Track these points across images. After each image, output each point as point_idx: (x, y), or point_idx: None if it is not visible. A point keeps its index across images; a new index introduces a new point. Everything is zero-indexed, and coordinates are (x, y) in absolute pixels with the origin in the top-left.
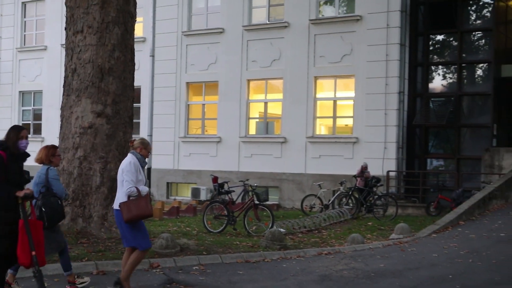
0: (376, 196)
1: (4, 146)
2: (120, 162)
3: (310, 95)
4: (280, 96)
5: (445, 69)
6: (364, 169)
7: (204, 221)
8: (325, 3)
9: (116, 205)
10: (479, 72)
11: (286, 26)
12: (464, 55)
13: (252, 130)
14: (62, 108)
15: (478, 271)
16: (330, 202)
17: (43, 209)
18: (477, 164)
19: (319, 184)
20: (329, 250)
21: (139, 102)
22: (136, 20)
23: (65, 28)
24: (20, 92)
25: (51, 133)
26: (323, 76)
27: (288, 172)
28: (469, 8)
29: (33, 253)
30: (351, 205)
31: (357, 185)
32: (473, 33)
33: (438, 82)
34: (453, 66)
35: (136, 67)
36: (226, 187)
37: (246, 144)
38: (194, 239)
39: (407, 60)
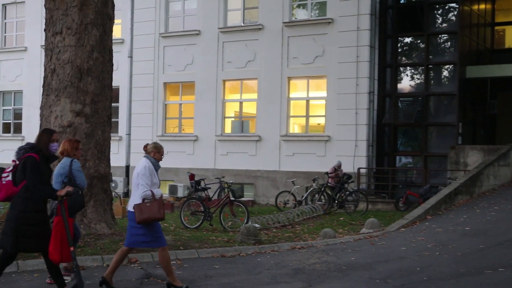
0: (348, 192)
1: (36, 148)
2: (99, 161)
3: (283, 95)
4: (254, 96)
5: (413, 70)
6: (337, 167)
7: (181, 217)
8: (298, 6)
9: (130, 207)
10: (445, 73)
11: (260, 29)
12: (430, 57)
13: (228, 129)
14: (42, 108)
15: (444, 264)
16: (303, 198)
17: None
18: (444, 161)
19: (292, 181)
20: (302, 245)
21: (117, 101)
22: (114, 22)
23: (45, 30)
24: (0, 92)
25: (31, 132)
26: (296, 77)
27: (262, 170)
28: (435, 12)
29: (72, 248)
30: (323, 201)
31: (329, 182)
32: (439, 36)
33: (406, 82)
34: (420, 67)
35: (114, 67)
36: (203, 184)
37: (222, 143)
38: (172, 234)
39: (377, 62)
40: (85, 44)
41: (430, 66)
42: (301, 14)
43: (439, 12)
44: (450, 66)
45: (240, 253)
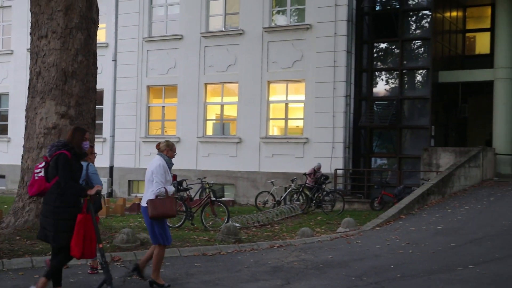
0: (325, 193)
1: (68, 146)
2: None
3: (263, 98)
4: (235, 99)
5: (387, 75)
6: (317, 169)
7: None
8: (278, 12)
9: (143, 203)
10: (419, 77)
11: (241, 34)
12: (405, 62)
13: (209, 131)
14: (27, 110)
15: (417, 261)
16: (282, 198)
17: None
18: (417, 163)
19: (272, 182)
20: (281, 243)
21: (102, 104)
22: (98, 26)
23: (30, 33)
24: None
25: (17, 134)
26: (275, 81)
27: (243, 170)
28: (409, 18)
29: (100, 245)
30: (301, 201)
31: (307, 183)
32: (413, 41)
33: (382, 86)
34: (395, 72)
35: (99, 71)
36: (185, 184)
37: (203, 144)
38: None
39: (353, 66)
40: (70, 47)
41: (404, 71)
42: (281, 20)
43: (412, 19)
44: (423, 71)
45: (220, 252)
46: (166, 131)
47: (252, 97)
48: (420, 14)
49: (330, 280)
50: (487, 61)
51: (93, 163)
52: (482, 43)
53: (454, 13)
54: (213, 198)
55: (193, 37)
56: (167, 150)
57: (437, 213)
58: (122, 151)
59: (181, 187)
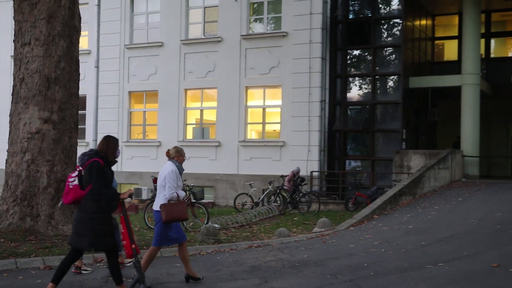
0: (301, 194)
1: (100, 154)
2: (66, 165)
3: (241, 103)
4: (214, 104)
5: (361, 81)
6: (296, 173)
7: (145, 218)
8: (255, 20)
9: (156, 207)
10: (390, 83)
11: (219, 41)
12: (377, 68)
13: (189, 135)
14: (11, 115)
15: (390, 259)
16: (260, 199)
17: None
18: (389, 165)
19: (250, 184)
20: (259, 243)
21: (84, 109)
22: (80, 34)
23: (14, 41)
24: None
25: (0, 139)
26: (253, 86)
27: (222, 173)
28: (381, 27)
29: (133, 246)
30: (278, 202)
31: (284, 185)
32: (385, 49)
33: (355, 92)
34: (367, 78)
35: (81, 77)
36: None
37: (183, 148)
38: (136, 235)
39: (328, 72)
40: (52, 54)
41: (376, 76)
42: (258, 28)
43: (384, 27)
44: (395, 77)
45: (200, 252)
46: (147, 136)
47: (231, 102)
48: (391, 23)
49: (306, 279)
50: (455, 67)
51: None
52: (450, 50)
53: (423, 22)
54: (193, 200)
55: (173, 44)
56: (177, 156)
57: (408, 213)
58: None
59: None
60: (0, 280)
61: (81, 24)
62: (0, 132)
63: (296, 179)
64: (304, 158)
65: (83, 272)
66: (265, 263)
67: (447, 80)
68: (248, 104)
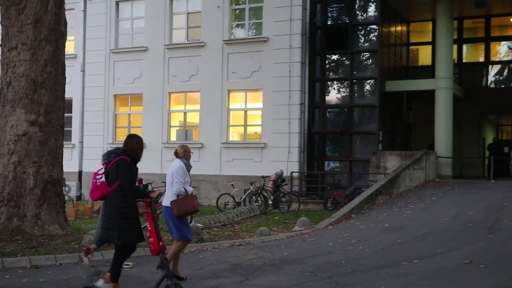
0: (282, 194)
1: (127, 152)
2: (52, 166)
3: (224, 106)
4: (197, 107)
5: (339, 84)
6: (279, 175)
7: None
8: (237, 26)
9: (166, 203)
10: (367, 87)
11: (202, 46)
12: (354, 72)
13: (173, 137)
14: None
15: (367, 257)
16: (241, 199)
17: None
18: (366, 165)
19: (232, 184)
20: (241, 242)
21: (71, 112)
22: (67, 39)
23: (1, 45)
24: None
25: None
26: (235, 90)
27: (205, 174)
28: (358, 32)
29: (161, 243)
30: (260, 202)
31: (265, 185)
32: (362, 54)
33: (333, 95)
34: (345, 82)
35: (68, 80)
36: (150, 187)
37: (167, 150)
38: None
39: (307, 76)
40: (39, 58)
41: (354, 80)
42: (240, 33)
43: (361, 33)
44: (371, 81)
45: (184, 251)
46: None
47: (213, 105)
48: (368, 29)
49: (286, 276)
50: (429, 71)
51: None
52: (424, 55)
53: (399, 28)
54: None
55: (157, 49)
56: (185, 154)
57: (385, 212)
58: (90, 156)
59: (147, 190)
60: None
61: (67, 29)
62: None
63: (276, 179)
64: (285, 159)
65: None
66: (247, 261)
67: (422, 84)
68: (230, 107)
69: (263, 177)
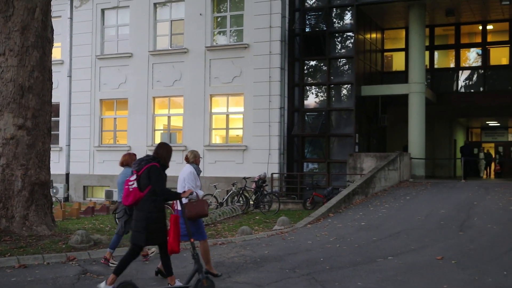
0: (263, 194)
1: (157, 159)
2: (40, 169)
3: (206, 110)
4: (181, 111)
5: (317, 89)
6: (262, 178)
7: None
8: (219, 33)
9: (178, 206)
10: (344, 91)
11: (185, 52)
12: (332, 77)
13: (158, 140)
14: None
15: (344, 254)
16: (224, 200)
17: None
18: (343, 167)
19: (215, 185)
20: (223, 241)
21: (58, 116)
22: (53, 45)
23: None
24: None
25: None
26: (217, 94)
27: None
28: (335, 39)
29: (192, 240)
30: (241, 202)
31: (247, 186)
32: (339, 60)
33: (312, 99)
34: (323, 87)
35: (55, 85)
36: None
37: (150, 152)
38: (107, 234)
39: (287, 81)
40: (26, 64)
41: (331, 85)
42: (221, 40)
43: (338, 39)
44: (348, 86)
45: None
46: (118, 141)
47: (196, 109)
48: (344, 36)
49: (266, 273)
50: (402, 77)
51: None
52: (398, 61)
53: (374, 35)
54: None
55: (142, 55)
56: (195, 159)
57: (361, 211)
58: (77, 159)
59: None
60: None
61: (54, 36)
62: None
63: (257, 180)
64: (265, 161)
65: (110, 265)
66: (229, 259)
67: (396, 89)
68: (213, 111)
69: (244, 178)
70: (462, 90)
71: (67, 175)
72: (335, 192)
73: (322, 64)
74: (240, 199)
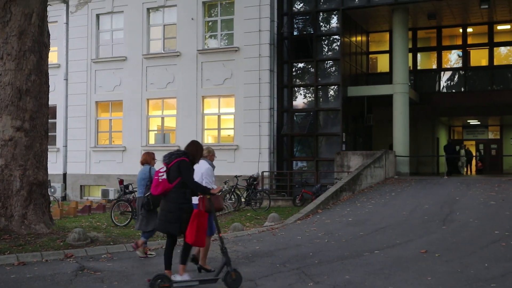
0: (254, 192)
1: (187, 154)
2: (37, 169)
3: (198, 111)
4: (174, 112)
5: (305, 90)
6: (256, 176)
7: (112, 216)
8: (210, 36)
9: (195, 200)
10: (331, 92)
11: (178, 55)
12: (319, 79)
13: (152, 140)
14: None
15: (332, 249)
16: None
17: (149, 197)
18: (331, 165)
19: None
20: (215, 237)
21: (55, 118)
22: (50, 49)
23: None
24: None
25: None
26: (209, 96)
27: None
28: (322, 42)
29: (220, 234)
30: (233, 199)
31: (238, 185)
32: (326, 62)
33: (300, 100)
34: (311, 88)
35: (51, 88)
36: (130, 188)
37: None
38: (103, 232)
39: (276, 83)
40: (23, 68)
41: (319, 86)
42: (213, 43)
43: (325, 42)
44: (335, 87)
45: (162, 246)
46: (113, 141)
47: (189, 110)
48: (331, 39)
49: (258, 268)
50: (387, 78)
51: (153, 166)
52: (382, 63)
53: (359, 38)
54: None
55: (136, 58)
56: (210, 155)
57: (348, 207)
58: (74, 159)
59: (128, 190)
60: None
61: (51, 41)
62: None
63: (248, 179)
64: (256, 160)
65: (149, 256)
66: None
67: (380, 89)
68: (205, 112)
69: (236, 176)
70: (444, 90)
71: (65, 175)
72: (323, 189)
73: (309, 66)
74: (232, 196)
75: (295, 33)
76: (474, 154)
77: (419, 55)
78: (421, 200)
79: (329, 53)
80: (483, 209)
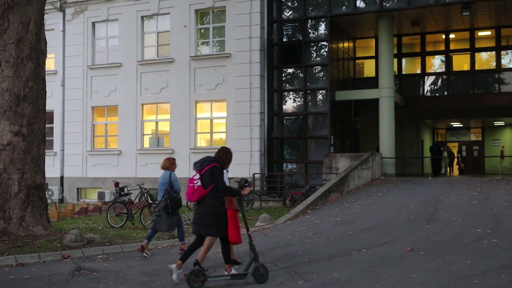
0: None
1: (218, 160)
2: (35, 173)
3: (191, 115)
4: (168, 116)
5: (294, 95)
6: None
7: (107, 218)
8: (202, 43)
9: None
10: (320, 96)
11: (171, 61)
12: (308, 84)
13: (146, 144)
14: None
15: (321, 248)
16: None
17: (168, 201)
18: (320, 166)
19: None
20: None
21: (52, 123)
22: (47, 56)
23: None
24: None
25: None
26: (201, 100)
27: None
28: (310, 48)
29: (249, 232)
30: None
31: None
32: (314, 67)
33: (290, 104)
34: (300, 92)
35: (48, 94)
36: (126, 190)
37: (141, 155)
38: (99, 233)
39: (266, 88)
40: (21, 75)
41: (307, 91)
42: (205, 50)
43: (313, 48)
44: (323, 91)
45: (157, 247)
46: (109, 145)
47: (182, 115)
48: (319, 45)
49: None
50: (373, 82)
51: (174, 171)
52: (369, 68)
53: (346, 44)
54: (150, 201)
55: (130, 65)
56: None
57: (337, 207)
58: (71, 163)
59: (123, 193)
60: None
61: (48, 48)
62: None
63: (240, 180)
64: (247, 162)
65: (145, 255)
66: (214, 255)
67: (367, 94)
68: (198, 116)
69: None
70: (428, 94)
71: (62, 178)
72: (312, 190)
73: (298, 72)
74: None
75: (284, 39)
76: (456, 156)
77: (403, 60)
78: (407, 200)
79: (318, 58)
80: (466, 208)
